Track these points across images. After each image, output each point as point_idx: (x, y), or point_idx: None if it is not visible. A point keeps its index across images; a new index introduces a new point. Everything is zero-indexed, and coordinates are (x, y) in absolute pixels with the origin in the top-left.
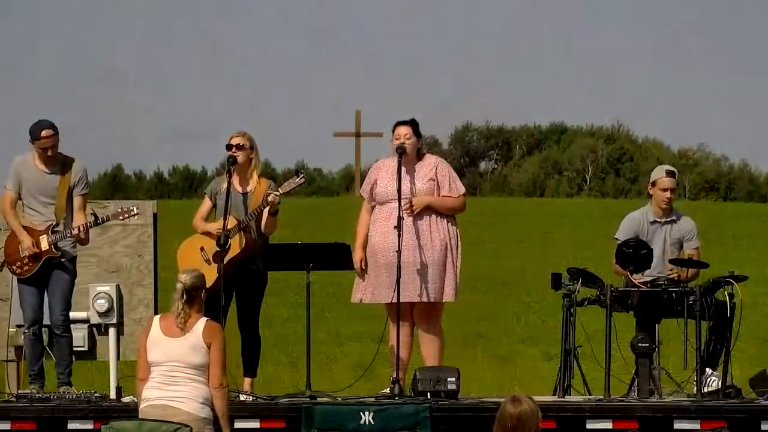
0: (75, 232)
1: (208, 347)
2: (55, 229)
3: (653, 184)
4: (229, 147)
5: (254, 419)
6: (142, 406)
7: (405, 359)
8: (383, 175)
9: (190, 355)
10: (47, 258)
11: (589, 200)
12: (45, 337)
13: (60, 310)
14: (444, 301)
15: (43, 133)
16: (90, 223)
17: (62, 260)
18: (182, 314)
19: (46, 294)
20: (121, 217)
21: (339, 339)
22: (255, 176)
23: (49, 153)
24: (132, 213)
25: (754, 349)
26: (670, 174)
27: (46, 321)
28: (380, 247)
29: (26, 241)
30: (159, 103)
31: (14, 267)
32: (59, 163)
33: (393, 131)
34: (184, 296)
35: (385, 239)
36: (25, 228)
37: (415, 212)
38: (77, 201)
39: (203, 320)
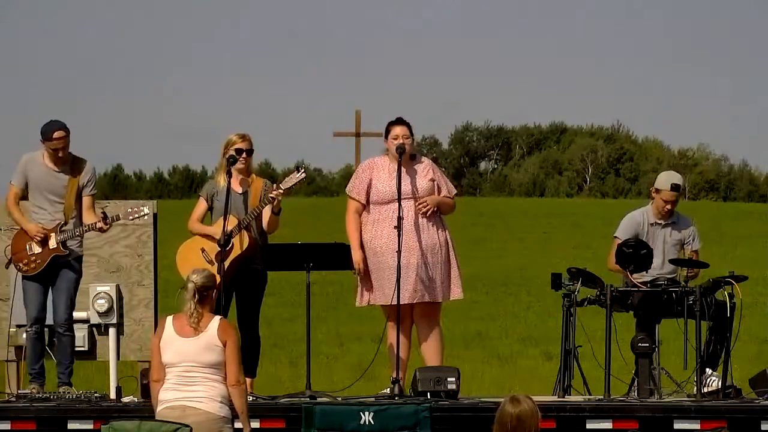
0: (100, 224)
1: (223, 345)
2: (63, 228)
3: (657, 190)
4: (239, 151)
5: (254, 419)
6: (159, 408)
7: (405, 359)
8: (381, 175)
9: (205, 355)
10: (54, 256)
11: (589, 200)
12: (46, 337)
13: (65, 308)
14: (453, 299)
15: (56, 134)
16: (101, 220)
17: (69, 259)
18: (195, 314)
19: (50, 292)
20: (131, 217)
21: (339, 339)
22: (252, 175)
23: (60, 154)
24: (142, 213)
25: (754, 349)
26: (674, 188)
27: (48, 321)
28: (388, 248)
29: (33, 228)
30: (159, 103)
31: (21, 264)
32: (69, 163)
33: (387, 131)
34: (196, 296)
35: (391, 240)
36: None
37: (429, 212)
38: (87, 201)
39: (217, 319)
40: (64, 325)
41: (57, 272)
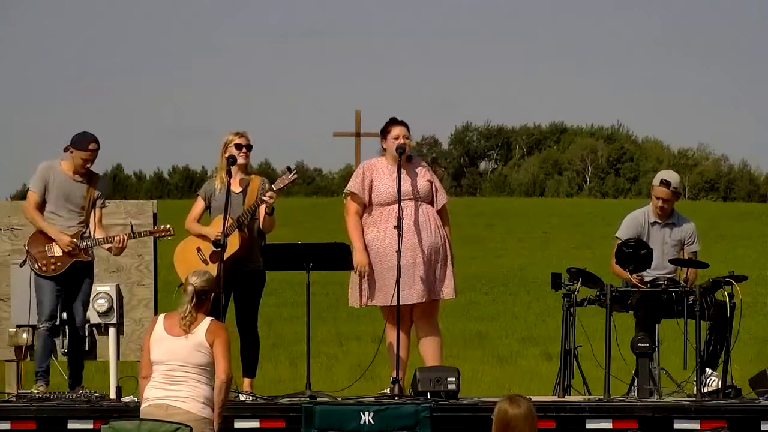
0: (121, 244)
1: (211, 346)
2: (84, 235)
3: (652, 187)
4: (239, 147)
5: (254, 419)
6: (143, 405)
7: (405, 359)
8: (382, 176)
9: (192, 355)
10: (75, 261)
11: (589, 200)
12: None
13: (84, 313)
14: (447, 298)
15: (91, 146)
16: (128, 235)
17: (88, 265)
18: (189, 316)
19: (62, 293)
20: (157, 234)
21: (339, 339)
22: (251, 174)
23: (89, 165)
24: (170, 233)
25: (754, 349)
26: (664, 184)
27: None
28: (391, 249)
29: (66, 240)
30: (159, 103)
31: (39, 264)
32: (87, 174)
33: (387, 130)
34: (194, 299)
35: (395, 241)
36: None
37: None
38: (98, 213)
39: (208, 320)
40: (84, 329)
41: (74, 277)
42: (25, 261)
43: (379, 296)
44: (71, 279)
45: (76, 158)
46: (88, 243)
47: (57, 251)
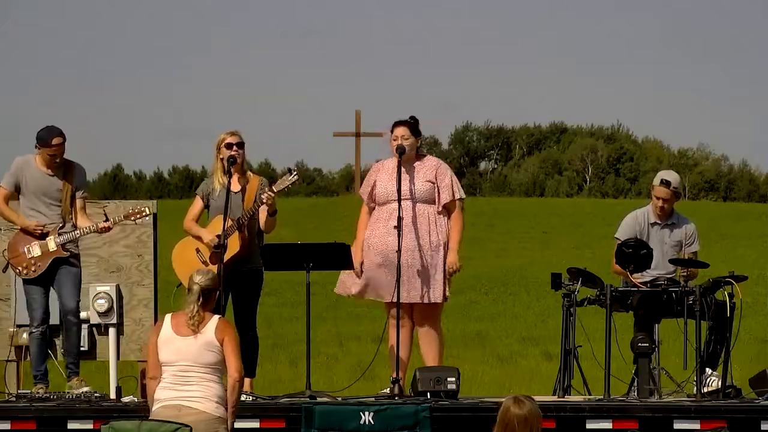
0: (103, 225)
1: (221, 344)
2: (62, 230)
3: (653, 187)
4: (229, 146)
5: (254, 419)
6: (155, 407)
7: (405, 359)
8: (383, 176)
9: (202, 354)
10: (55, 259)
11: (589, 200)
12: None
13: (72, 297)
14: (427, 302)
15: (54, 140)
16: (102, 221)
17: (69, 257)
18: (197, 316)
19: (51, 291)
20: (132, 218)
21: (339, 339)
22: (248, 173)
23: (57, 160)
24: (144, 213)
25: (754, 349)
26: (664, 184)
27: (52, 321)
28: (381, 248)
29: (31, 223)
30: (159, 103)
31: (20, 268)
32: (62, 166)
33: (392, 131)
34: (201, 299)
35: (386, 240)
36: (27, 232)
37: (459, 270)
38: (80, 203)
39: (215, 318)
40: (75, 314)
41: (56, 270)
42: (7, 266)
43: (375, 292)
44: (54, 274)
45: (43, 154)
46: (66, 237)
47: (35, 252)
